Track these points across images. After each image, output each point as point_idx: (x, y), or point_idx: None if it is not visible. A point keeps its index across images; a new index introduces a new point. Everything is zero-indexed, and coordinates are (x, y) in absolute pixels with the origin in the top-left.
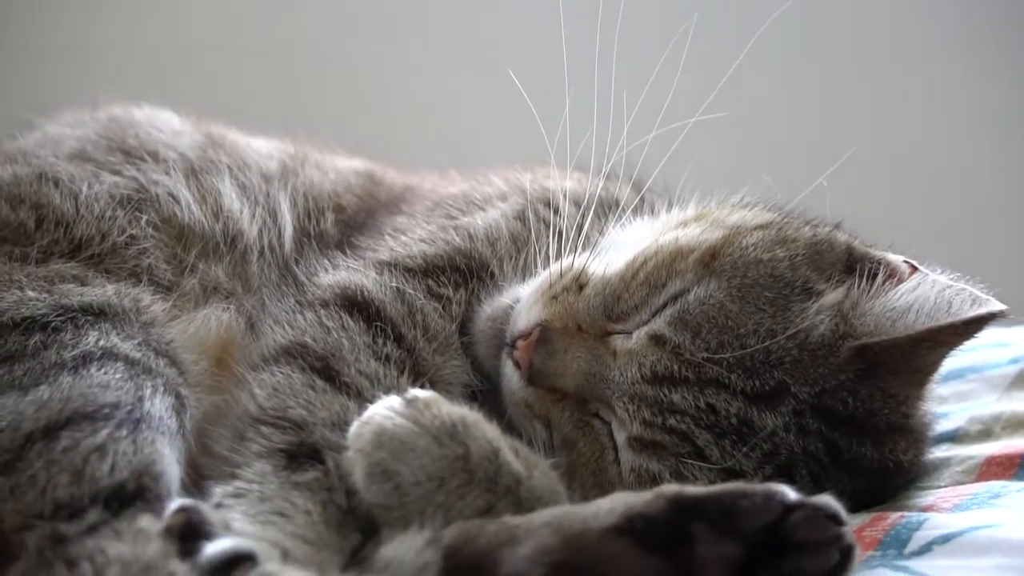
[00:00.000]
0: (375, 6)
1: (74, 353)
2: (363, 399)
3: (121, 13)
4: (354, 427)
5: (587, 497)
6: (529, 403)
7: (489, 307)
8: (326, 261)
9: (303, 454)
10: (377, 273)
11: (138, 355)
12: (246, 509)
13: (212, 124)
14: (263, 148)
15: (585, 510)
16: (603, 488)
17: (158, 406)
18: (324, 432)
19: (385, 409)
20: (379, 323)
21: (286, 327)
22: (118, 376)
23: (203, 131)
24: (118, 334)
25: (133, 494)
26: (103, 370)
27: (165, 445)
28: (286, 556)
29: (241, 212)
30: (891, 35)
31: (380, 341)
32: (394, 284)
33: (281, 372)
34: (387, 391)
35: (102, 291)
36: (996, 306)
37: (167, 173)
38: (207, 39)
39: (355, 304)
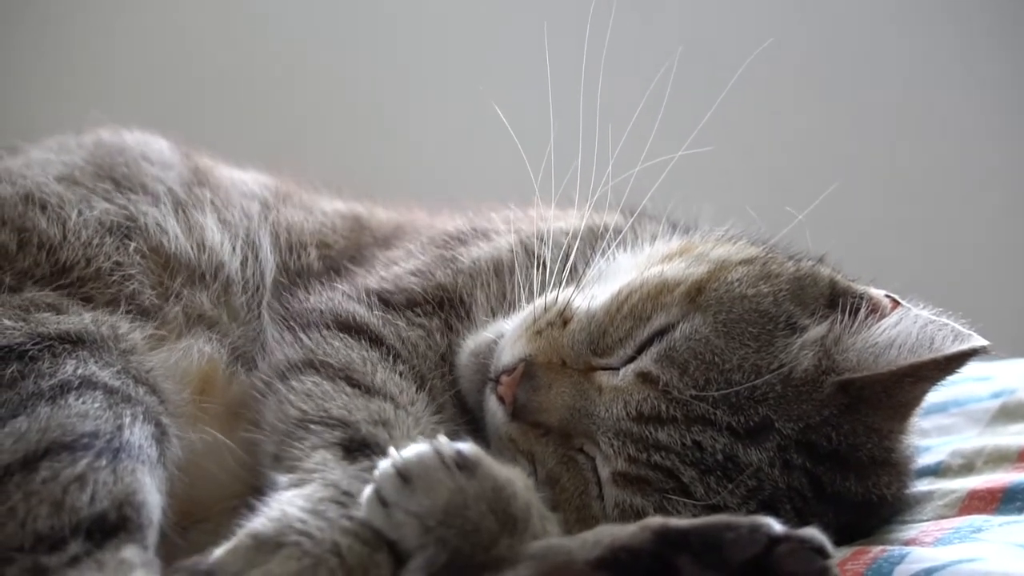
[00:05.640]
0: (360, 40)
1: (52, 382)
2: (396, 403)
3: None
4: (404, 463)
5: (570, 532)
6: (513, 438)
7: (473, 342)
8: (318, 286)
9: (355, 448)
10: (368, 301)
11: (117, 383)
12: (310, 493)
13: (200, 156)
14: (247, 185)
15: (571, 542)
16: (586, 523)
17: (137, 435)
18: (369, 428)
19: (436, 462)
20: (383, 346)
21: (295, 346)
22: (96, 405)
23: (191, 166)
24: (96, 362)
25: (115, 525)
26: (81, 399)
27: (145, 474)
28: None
29: (222, 245)
30: (876, 68)
31: (389, 358)
32: (387, 316)
33: (310, 380)
34: (412, 403)
35: (79, 319)
36: (978, 341)
37: (155, 205)
38: (195, 68)
39: (351, 327)
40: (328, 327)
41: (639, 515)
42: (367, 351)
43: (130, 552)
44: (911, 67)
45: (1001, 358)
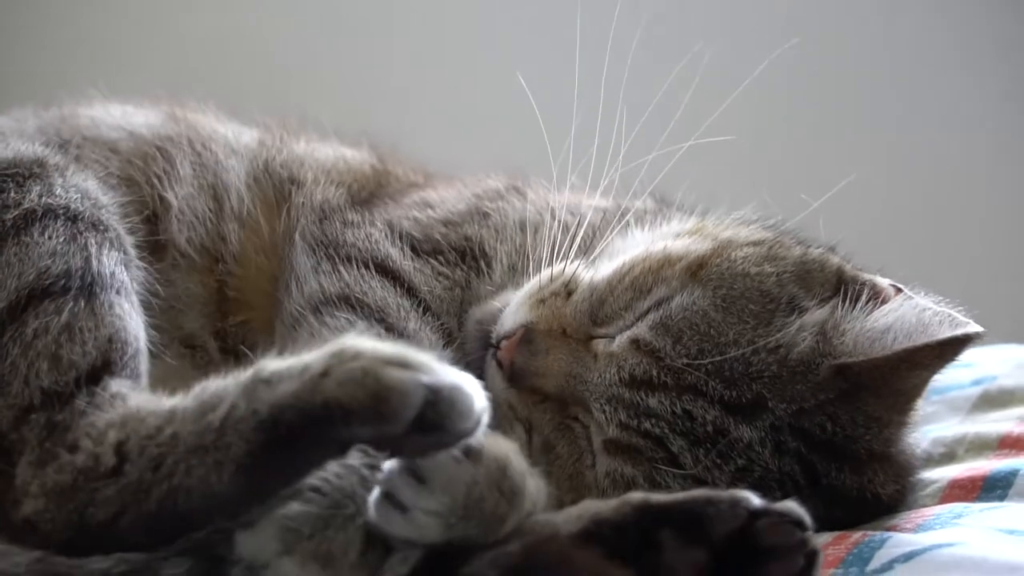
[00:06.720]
0: (386, 13)
1: (15, 214)
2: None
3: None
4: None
5: (563, 500)
6: (512, 405)
7: (479, 311)
8: (357, 218)
9: None
10: (401, 247)
11: (81, 208)
12: None
13: (182, 107)
14: (237, 126)
15: (557, 516)
16: (579, 492)
17: (106, 262)
18: None
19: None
20: (415, 297)
21: (333, 277)
22: (62, 239)
23: (165, 110)
24: (63, 184)
25: (100, 369)
26: (47, 233)
27: (123, 302)
28: None
29: (193, 183)
30: (894, 65)
31: (420, 310)
32: (416, 264)
33: (344, 317)
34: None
35: (47, 148)
36: (973, 328)
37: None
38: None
39: (387, 271)
40: (367, 266)
41: (630, 485)
42: (401, 298)
43: (117, 385)
44: (934, 60)
45: (983, 344)
